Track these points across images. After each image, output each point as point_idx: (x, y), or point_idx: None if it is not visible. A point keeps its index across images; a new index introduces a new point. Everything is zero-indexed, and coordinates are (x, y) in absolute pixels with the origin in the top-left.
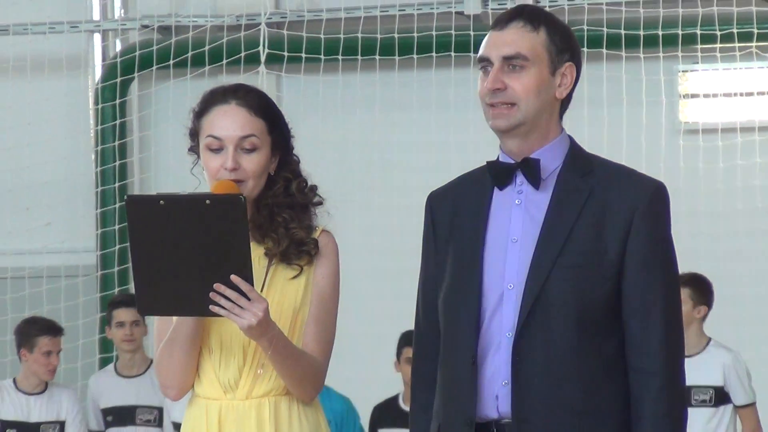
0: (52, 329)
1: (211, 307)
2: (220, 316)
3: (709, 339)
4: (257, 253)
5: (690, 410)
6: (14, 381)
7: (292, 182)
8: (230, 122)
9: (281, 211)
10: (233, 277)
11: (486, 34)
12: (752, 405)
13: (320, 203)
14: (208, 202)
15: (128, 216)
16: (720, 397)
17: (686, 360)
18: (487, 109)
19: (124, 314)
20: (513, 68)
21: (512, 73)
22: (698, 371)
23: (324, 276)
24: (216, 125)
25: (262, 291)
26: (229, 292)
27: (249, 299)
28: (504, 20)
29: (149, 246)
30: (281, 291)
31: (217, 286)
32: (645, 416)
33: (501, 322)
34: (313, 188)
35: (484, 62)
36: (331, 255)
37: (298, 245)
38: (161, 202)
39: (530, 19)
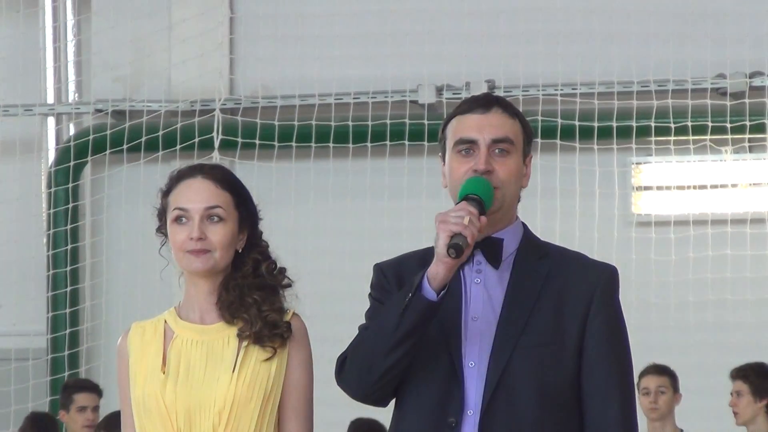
0: None
1: None
2: None
3: (681, 430)
4: (228, 334)
5: None
6: None
7: (262, 263)
8: (195, 194)
9: (251, 291)
10: None
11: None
12: None
13: (289, 285)
14: None
15: None
16: None
17: None
18: None
19: (86, 399)
20: (500, 152)
21: (498, 157)
22: None
23: (300, 363)
24: (182, 197)
25: (233, 372)
26: None
27: None
28: (484, 104)
29: None
30: (253, 372)
31: None
32: None
33: (461, 398)
34: (282, 270)
35: (468, 144)
36: (304, 340)
37: (272, 327)
38: None
39: (506, 107)
